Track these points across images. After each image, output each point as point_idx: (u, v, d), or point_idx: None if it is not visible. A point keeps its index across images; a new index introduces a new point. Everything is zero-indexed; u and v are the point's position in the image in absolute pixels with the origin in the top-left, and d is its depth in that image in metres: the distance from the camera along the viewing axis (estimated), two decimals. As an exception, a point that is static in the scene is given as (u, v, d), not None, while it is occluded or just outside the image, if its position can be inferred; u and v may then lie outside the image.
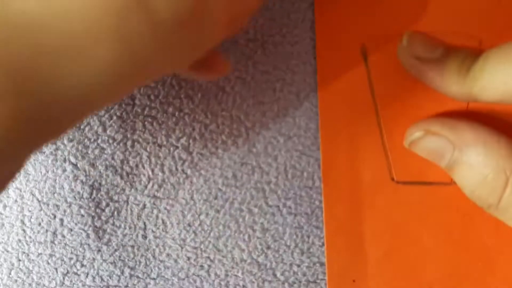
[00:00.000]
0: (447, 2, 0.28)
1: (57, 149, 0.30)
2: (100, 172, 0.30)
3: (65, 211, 0.31)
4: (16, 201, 0.31)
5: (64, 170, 0.31)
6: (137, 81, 0.17)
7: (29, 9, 0.14)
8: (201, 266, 0.31)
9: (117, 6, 0.15)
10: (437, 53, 0.27)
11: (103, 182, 0.31)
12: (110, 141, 0.30)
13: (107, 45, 0.15)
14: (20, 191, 0.31)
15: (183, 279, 0.31)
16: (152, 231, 0.31)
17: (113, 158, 0.30)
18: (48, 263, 0.31)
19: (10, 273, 0.31)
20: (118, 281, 0.31)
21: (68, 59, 0.14)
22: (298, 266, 0.31)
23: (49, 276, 0.31)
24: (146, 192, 0.31)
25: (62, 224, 0.31)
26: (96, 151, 0.30)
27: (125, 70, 0.15)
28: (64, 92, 0.15)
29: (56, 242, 0.31)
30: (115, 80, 0.15)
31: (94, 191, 0.31)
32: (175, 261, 0.31)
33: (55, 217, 0.31)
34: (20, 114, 0.14)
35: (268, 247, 0.31)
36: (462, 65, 0.26)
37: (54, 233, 0.31)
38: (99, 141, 0.30)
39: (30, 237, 0.31)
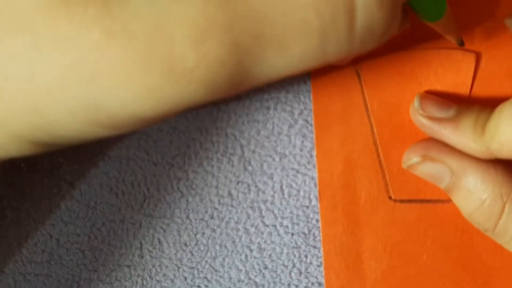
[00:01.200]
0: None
1: (53, 167, 0.30)
2: (95, 190, 0.30)
3: (61, 230, 0.31)
4: (12, 220, 0.31)
5: (60, 189, 0.30)
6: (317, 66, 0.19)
7: (255, 5, 0.16)
8: (198, 286, 0.31)
9: (327, 11, 0.17)
10: (450, 112, 0.27)
11: (99, 201, 0.30)
12: (106, 159, 0.30)
13: (307, 42, 0.17)
14: (16, 210, 0.31)
15: (180, 299, 0.31)
16: (149, 250, 0.31)
17: (108, 177, 0.30)
18: (45, 284, 0.31)
19: (6, 295, 0.31)
20: (115, 301, 0.31)
21: (273, 48, 0.17)
22: (296, 286, 0.30)
23: (45, 298, 0.31)
24: (142, 211, 0.30)
25: (58, 244, 0.31)
26: (92, 170, 0.30)
27: (311, 63, 0.18)
28: (260, 70, 0.17)
29: (52, 263, 0.31)
30: (300, 70, 0.18)
31: (90, 210, 0.30)
32: (172, 281, 0.31)
33: (51, 236, 0.31)
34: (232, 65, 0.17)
35: (266, 267, 0.30)
36: (476, 122, 0.26)
37: (51, 253, 0.31)
38: (95, 159, 0.30)
39: (26, 257, 0.31)
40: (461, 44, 0.27)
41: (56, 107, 0.17)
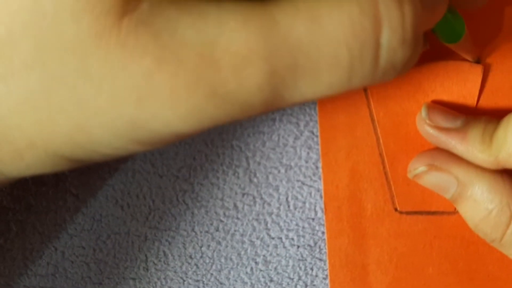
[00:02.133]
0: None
1: (58, 180, 0.30)
2: (101, 203, 0.30)
3: (66, 243, 0.31)
4: (17, 233, 0.31)
5: (66, 202, 0.30)
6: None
7: (295, 35, 0.17)
8: (203, 299, 0.30)
9: (356, 47, 0.18)
10: (458, 123, 0.27)
11: (104, 214, 0.30)
12: (111, 171, 0.30)
13: (336, 74, 0.18)
14: (22, 223, 0.31)
15: (185, 312, 0.31)
16: (154, 263, 0.30)
17: (113, 189, 0.30)
18: (49, 297, 0.31)
19: (10, 308, 0.31)
20: (120, 314, 0.31)
21: (305, 78, 0.18)
22: (301, 298, 0.30)
23: (50, 310, 0.31)
24: (147, 223, 0.30)
25: (63, 257, 0.31)
26: (97, 182, 0.30)
27: (336, 91, 0.19)
28: (291, 96, 0.18)
29: (57, 275, 0.31)
30: (324, 96, 0.19)
31: (95, 223, 0.30)
32: (177, 294, 0.31)
33: (56, 249, 0.31)
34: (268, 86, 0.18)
35: (271, 280, 0.30)
36: (484, 132, 0.26)
37: (56, 266, 0.31)
38: (100, 172, 0.30)
39: (31, 270, 0.31)
40: (478, 61, 0.28)
41: (101, 128, 0.18)
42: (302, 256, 0.30)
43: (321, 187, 0.29)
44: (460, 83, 0.28)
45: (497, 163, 0.26)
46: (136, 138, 0.18)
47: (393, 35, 0.18)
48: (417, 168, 0.28)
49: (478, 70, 0.28)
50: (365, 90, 0.29)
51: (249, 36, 0.17)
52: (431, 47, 0.25)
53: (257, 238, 0.30)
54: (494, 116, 0.27)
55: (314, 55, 0.18)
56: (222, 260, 0.30)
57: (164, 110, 0.17)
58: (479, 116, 0.27)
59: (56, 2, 0.16)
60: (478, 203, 0.26)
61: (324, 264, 0.30)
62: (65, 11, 0.16)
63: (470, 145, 0.26)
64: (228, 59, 0.17)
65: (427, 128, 0.27)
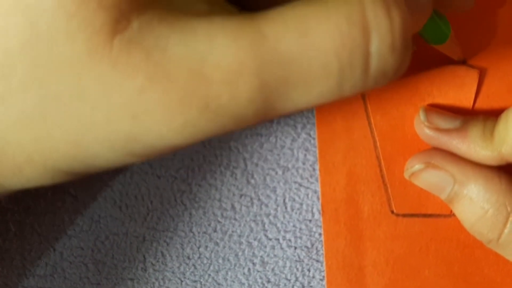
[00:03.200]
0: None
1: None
2: (99, 204, 0.30)
3: (64, 244, 0.31)
4: (15, 234, 0.31)
5: (64, 202, 0.30)
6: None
7: (284, 48, 0.18)
8: (201, 299, 0.31)
9: (345, 56, 0.18)
10: (457, 123, 0.27)
11: (103, 214, 0.30)
12: (109, 172, 0.30)
13: (327, 83, 0.18)
14: (20, 224, 0.31)
15: (183, 312, 0.31)
16: (152, 263, 0.31)
17: (112, 190, 0.30)
18: (48, 297, 0.31)
19: (9, 308, 0.31)
20: (118, 315, 0.31)
21: (296, 88, 0.18)
22: (299, 299, 0.30)
23: (49, 311, 0.31)
24: (145, 224, 0.30)
25: (61, 257, 0.31)
26: (96, 183, 0.30)
27: (327, 100, 0.19)
28: (283, 106, 0.19)
29: (55, 276, 0.31)
30: (316, 105, 0.19)
31: (94, 224, 0.31)
32: (175, 294, 0.31)
33: (54, 250, 0.31)
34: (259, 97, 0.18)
35: (268, 281, 0.30)
36: (484, 128, 0.26)
37: (54, 267, 0.31)
38: (98, 172, 0.30)
39: (29, 270, 0.31)
40: (463, 62, 0.28)
41: (97, 143, 0.18)
42: (299, 257, 0.30)
43: (318, 188, 0.30)
44: (456, 87, 0.28)
45: (500, 157, 0.26)
46: (131, 152, 0.19)
47: (382, 42, 0.18)
48: (414, 166, 0.28)
49: (474, 74, 0.28)
50: (362, 93, 0.29)
51: (239, 51, 0.17)
52: (418, 48, 0.25)
53: (255, 239, 0.30)
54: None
55: (304, 66, 0.18)
56: (220, 260, 0.30)
57: (159, 125, 0.18)
58: (477, 115, 0.27)
59: (50, 23, 0.16)
60: (474, 202, 0.26)
61: (321, 266, 0.30)
62: (59, 32, 0.16)
63: (472, 143, 0.26)
64: (219, 74, 0.17)
65: (427, 130, 0.27)
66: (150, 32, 0.17)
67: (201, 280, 0.31)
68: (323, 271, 0.30)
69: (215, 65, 0.17)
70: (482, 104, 0.28)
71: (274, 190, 0.30)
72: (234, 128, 0.19)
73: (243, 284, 0.30)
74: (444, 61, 0.28)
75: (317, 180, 0.30)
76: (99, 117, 0.17)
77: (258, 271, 0.30)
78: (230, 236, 0.30)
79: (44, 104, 0.17)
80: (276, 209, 0.30)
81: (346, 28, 0.18)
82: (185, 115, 0.18)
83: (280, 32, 0.18)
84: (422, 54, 0.27)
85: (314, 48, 0.18)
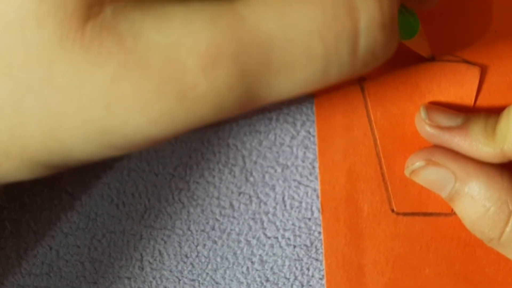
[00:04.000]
0: (445, 30, 0.28)
1: (53, 178, 0.30)
2: (96, 201, 0.30)
3: (61, 242, 0.30)
4: (11, 232, 0.30)
5: (60, 200, 0.30)
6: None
7: (265, 30, 0.17)
8: (199, 298, 0.30)
9: (330, 37, 0.17)
10: (459, 120, 0.27)
11: (99, 212, 0.30)
12: (106, 169, 0.30)
13: (311, 67, 0.18)
14: (16, 222, 0.30)
15: (181, 311, 0.31)
16: (149, 262, 0.30)
17: (109, 187, 0.30)
18: (44, 296, 0.31)
19: (5, 307, 0.31)
20: (115, 314, 0.31)
21: (278, 73, 0.18)
22: (298, 298, 0.30)
23: (45, 310, 0.31)
24: (142, 222, 0.30)
25: (58, 256, 0.30)
26: (93, 180, 0.30)
27: (314, 86, 0.19)
28: (266, 94, 0.18)
29: (52, 275, 0.31)
30: (302, 92, 0.19)
31: (90, 222, 0.30)
32: (173, 293, 0.30)
33: (51, 248, 0.30)
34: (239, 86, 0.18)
35: (267, 280, 0.30)
36: (486, 126, 0.26)
37: (50, 265, 0.30)
38: (95, 170, 0.30)
39: (25, 269, 0.31)
40: (432, 59, 0.28)
41: (72, 134, 0.17)
42: (298, 256, 0.30)
43: (318, 187, 0.29)
44: (457, 84, 0.28)
45: (502, 155, 0.25)
46: (109, 144, 0.18)
47: (371, 21, 0.18)
48: (415, 163, 0.27)
49: (475, 71, 0.28)
50: (362, 90, 0.29)
51: (217, 34, 0.17)
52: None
53: (253, 238, 0.30)
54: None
55: (286, 50, 0.17)
56: (218, 259, 0.30)
57: (134, 115, 0.17)
58: (478, 112, 0.27)
59: (19, 8, 0.16)
60: (476, 201, 0.26)
61: (321, 264, 0.30)
62: (29, 17, 0.16)
63: (473, 140, 0.26)
64: (195, 60, 0.17)
65: (428, 128, 0.27)
66: (123, 18, 0.17)
67: (199, 279, 0.30)
68: (323, 270, 0.30)
69: (191, 50, 0.17)
70: (483, 101, 0.28)
71: (273, 188, 0.30)
72: (215, 118, 0.18)
73: (242, 283, 0.30)
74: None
75: (316, 178, 0.30)
76: (71, 107, 0.17)
77: (256, 270, 0.30)
78: (229, 234, 0.30)
79: (16, 94, 0.17)
80: (275, 207, 0.30)
81: (331, 7, 0.17)
82: (162, 105, 0.17)
83: (260, 14, 0.17)
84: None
85: (296, 29, 0.17)
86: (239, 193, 0.30)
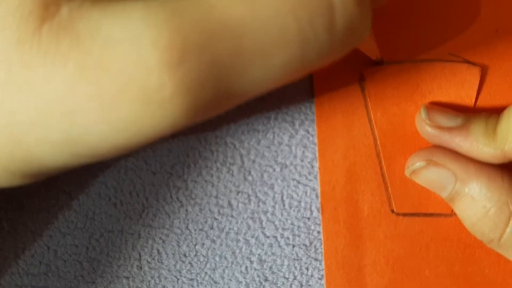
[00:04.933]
0: (445, 30, 0.28)
1: (50, 178, 0.30)
2: (94, 201, 0.30)
3: (59, 241, 0.30)
4: (9, 232, 0.30)
5: (58, 200, 0.30)
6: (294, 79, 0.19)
7: (235, 16, 0.16)
8: (198, 298, 0.30)
9: (304, 16, 0.16)
10: (459, 120, 0.26)
11: (97, 211, 0.30)
12: (104, 168, 0.30)
13: (287, 51, 0.17)
14: (13, 221, 0.30)
15: (180, 311, 0.31)
16: (147, 261, 0.30)
17: (106, 186, 0.30)
18: (42, 295, 0.31)
19: (3, 307, 0.31)
20: (114, 314, 0.31)
21: (253, 62, 0.16)
22: (297, 298, 0.30)
23: (43, 310, 0.31)
24: (140, 221, 0.30)
25: (56, 256, 0.30)
26: (90, 180, 0.30)
27: (293, 72, 0.17)
28: (242, 87, 0.17)
29: (50, 274, 0.30)
30: (281, 81, 0.18)
31: (88, 221, 0.30)
32: (171, 293, 0.30)
33: (48, 248, 0.30)
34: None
35: (266, 279, 0.30)
36: (487, 126, 0.26)
37: (48, 265, 0.30)
38: (93, 169, 0.30)
39: (23, 269, 0.30)
40: (381, 62, 0.27)
41: (38, 142, 0.17)
42: (297, 255, 0.30)
43: (317, 186, 0.29)
44: (457, 84, 0.28)
45: (503, 155, 0.25)
46: (77, 153, 0.17)
47: None
48: (415, 163, 0.27)
49: (476, 72, 0.27)
50: (362, 90, 0.28)
51: (182, 26, 0.15)
52: (422, 43, 0.25)
53: (252, 237, 0.30)
54: None
55: (259, 34, 0.16)
56: (217, 258, 0.30)
57: (97, 123, 0.16)
58: (479, 113, 0.27)
59: None
60: (476, 201, 0.26)
61: (320, 264, 0.30)
62: None
63: (474, 141, 0.26)
64: (159, 56, 0.15)
65: (429, 128, 0.27)
66: (80, 18, 0.15)
67: (198, 278, 0.30)
68: (322, 269, 0.30)
69: (153, 45, 0.15)
70: (484, 101, 0.28)
71: (271, 187, 0.30)
72: (189, 121, 0.17)
73: (240, 282, 0.30)
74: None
75: (315, 178, 0.29)
76: (33, 114, 0.16)
77: (255, 269, 0.30)
78: (227, 233, 0.30)
79: None
80: (274, 207, 0.30)
81: None
82: (123, 111, 0.16)
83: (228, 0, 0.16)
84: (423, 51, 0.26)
85: (268, 11, 0.16)
86: (238, 192, 0.30)
